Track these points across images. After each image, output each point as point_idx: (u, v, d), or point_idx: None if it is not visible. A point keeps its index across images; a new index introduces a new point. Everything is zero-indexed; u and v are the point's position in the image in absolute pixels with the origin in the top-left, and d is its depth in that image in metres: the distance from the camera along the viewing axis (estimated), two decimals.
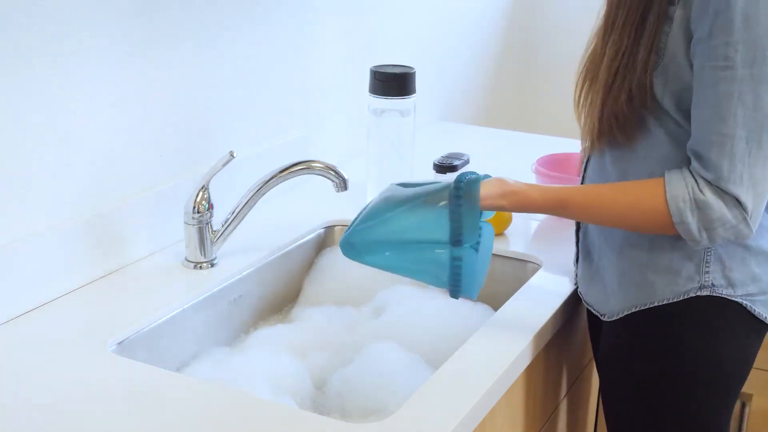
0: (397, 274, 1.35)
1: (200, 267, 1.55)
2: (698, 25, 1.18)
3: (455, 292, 1.29)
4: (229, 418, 1.15)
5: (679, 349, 1.32)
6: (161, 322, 1.40)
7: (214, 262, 1.56)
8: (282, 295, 1.69)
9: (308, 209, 1.83)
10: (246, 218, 1.57)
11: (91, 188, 1.47)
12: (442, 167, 1.80)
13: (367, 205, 1.35)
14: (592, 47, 1.34)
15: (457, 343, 1.35)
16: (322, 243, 1.78)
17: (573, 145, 2.03)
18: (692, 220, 1.21)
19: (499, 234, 1.70)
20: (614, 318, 1.37)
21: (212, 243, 1.55)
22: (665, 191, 1.22)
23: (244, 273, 1.58)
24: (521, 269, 1.65)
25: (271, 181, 1.54)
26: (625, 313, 1.35)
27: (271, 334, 1.52)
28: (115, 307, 1.42)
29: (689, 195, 1.21)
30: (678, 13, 1.21)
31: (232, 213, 1.55)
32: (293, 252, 1.71)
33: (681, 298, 1.30)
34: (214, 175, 1.52)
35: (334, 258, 1.73)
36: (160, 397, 1.19)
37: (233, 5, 1.69)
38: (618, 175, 1.32)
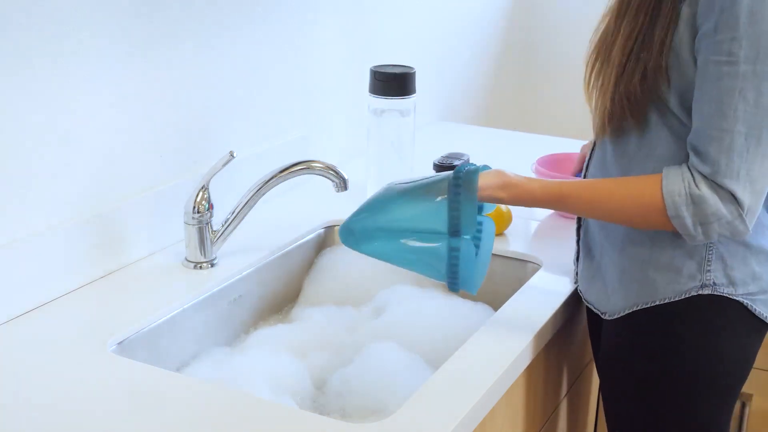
0: (395, 264, 1.34)
1: (200, 267, 1.55)
2: (704, 20, 1.18)
3: (453, 284, 1.29)
4: (229, 418, 1.15)
5: (680, 348, 1.32)
6: (161, 322, 1.40)
7: (214, 262, 1.56)
8: (282, 295, 1.69)
9: (308, 209, 1.83)
10: (246, 218, 1.57)
11: (91, 188, 1.47)
12: (442, 167, 1.80)
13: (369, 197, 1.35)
14: (604, 26, 1.32)
15: (457, 343, 1.35)
16: (322, 243, 1.78)
17: (573, 145, 2.04)
18: (687, 215, 1.21)
19: (500, 234, 1.71)
20: (615, 316, 1.37)
21: (212, 243, 1.55)
22: (662, 186, 1.22)
23: (244, 273, 1.58)
24: (521, 269, 1.65)
25: (271, 181, 1.54)
26: (626, 311, 1.35)
27: (271, 334, 1.52)
28: (115, 307, 1.42)
29: (685, 189, 1.21)
30: (685, 10, 1.21)
31: (232, 213, 1.55)
32: (293, 252, 1.71)
33: (682, 297, 1.30)
34: (214, 175, 1.52)
35: (334, 258, 1.73)
36: (160, 397, 1.19)
37: (233, 5, 1.69)
38: (620, 172, 1.32)
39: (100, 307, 1.42)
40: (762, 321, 1.33)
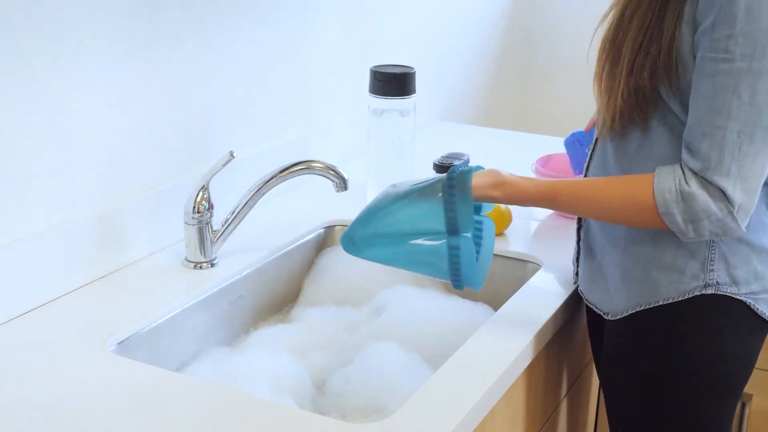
0: (398, 267, 1.36)
1: (200, 267, 1.55)
2: (703, 18, 1.18)
3: (457, 282, 1.30)
4: (229, 418, 1.15)
5: (683, 348, 1.32)
6: (161, 322, 1.40)
7: (214, 262, 1.56)
8: (282, 295, 1.69)
9: (308, 209, 1.83)
10: (246, 218, 1.57)
11: (91, 188, 1.47)
12: (442, 167, 1.80)
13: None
14: (615, 22, 1.31)
15: (457, 343, 1.35)
16: (322, 243, 1.78)
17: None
18: (677, 212, 1.21)
19: (500, 234, 1.71)
20: (618, 317, 1.37)
21: (212, 243, 1.55)
22: (653, 183, 1.22)
23: (244, 273, 1.58)
24: (521, 269, 1.65)
25: (271, 181, 1.54)
26: (629, 311, 1.35)
27: (271, 334, 1.52)
28: (115, 307, 1.42)
29: (675, 186, 1.21)
30: (687, 9, 1.20)
31: (232, 213, 1.55)
32: (293, 252, 1.71)
33: (686, 297, 1.30)
34: (214, 175, 1.52)
35: (334, 258, 1.73)
36: (160, 397, 1.19)
37: (233, 5, 1.69)
38: (620, 172, 1.32)
39: (100, 307, 1.42)
40: (764, 320, 1.33)
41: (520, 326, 1.38)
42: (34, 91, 1.34)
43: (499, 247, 1.66)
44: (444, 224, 1.27)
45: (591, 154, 1.42)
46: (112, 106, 1.48)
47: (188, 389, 1.23)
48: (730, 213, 1.20)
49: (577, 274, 1.50)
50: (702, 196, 1.19)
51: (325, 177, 1.55)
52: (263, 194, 1.55)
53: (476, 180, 1.30)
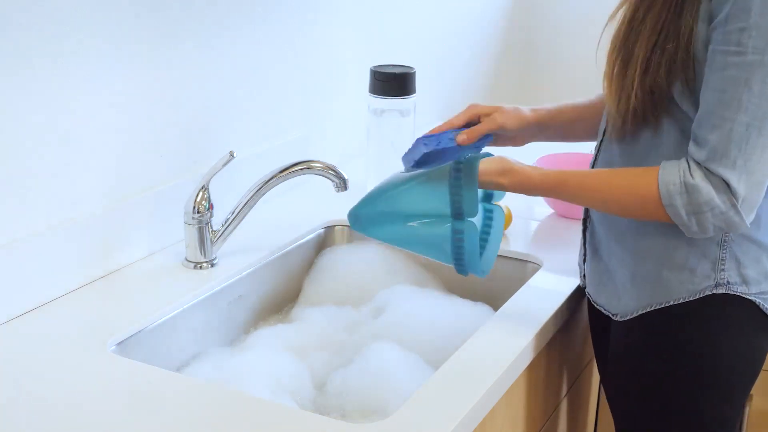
0: (403, 247, 1.38)
1: (200, 267, 1.55)
2: (717, 12, 1.18)
3: (460, 266, 1.31)
4: (229, 418, 1.15)
5: (692, 347, 1.31)
6: (161, 322, 1.40)
7: (214, 262, 1.56)
8: (282, 295, 1.69)
9: (308, 209, 1.82)
10: (246, 218, 1.57)
11: (91, 188, 1.47)
12: None
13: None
14: (626, 21, 1.28)
15: (457, 343, 1.35)
16: (322, 243, 1.78)
17: (573, 145, 2.03)
18: (680, 204, 1.20)
19: None
20: (627, 318, 1.37)
21: (212, 243, 1.55)
22: (659, 175, 1.22)
23: (244, 273, 1.58)
24: (521, 269, 1.65)
25: (271, 181, 1.54)
26: (639, 312, 1.34)
27: (271, 334, 1.52)
28: (115, 307, 1.42)
29: (680, 178, 1.20)
30: (702, 7, 1.20)
31: (232, 213, 1.55)
32: (293, 252, 1.71)
33: (696, 297, 1.30)
34: (214, 175, 1.52)
35: (334, 258, 1.73)
36: (160, 397, 1.19)
37: (233, 5, 1.69)
38: None
39: (100, 307, 1.42)
40: None
41: (520, 326, 1.38)
42: (34, 91, 1.34)
43: (500, 246, 1.66)
44: (449, 207, 1.28)
45: (596, 155, 1.42)
46: (112, 106, 1.48)
47: (188, 389, 1.23)
48: (734, 206, 1.19)
49: (584, 276, 1.49)
50: (706, 188, 1.19)
51: (325, 177, 1.55)
52: (263, 194, 1.55)
53: (484, 166, 1.30)
